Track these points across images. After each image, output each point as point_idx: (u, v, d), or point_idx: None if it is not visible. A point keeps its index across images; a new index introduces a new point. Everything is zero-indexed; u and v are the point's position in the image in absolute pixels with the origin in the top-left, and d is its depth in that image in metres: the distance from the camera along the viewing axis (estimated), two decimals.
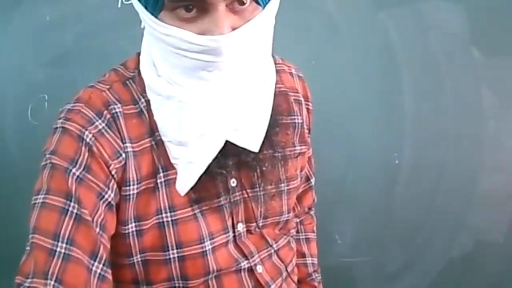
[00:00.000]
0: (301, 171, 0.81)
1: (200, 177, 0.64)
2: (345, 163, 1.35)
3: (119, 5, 1.30)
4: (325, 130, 1.30)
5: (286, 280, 0.78)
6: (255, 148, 0.65)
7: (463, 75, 1.33)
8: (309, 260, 0.91)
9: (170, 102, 0.63)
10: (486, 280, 1.39)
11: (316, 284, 0.91)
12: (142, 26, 0.67)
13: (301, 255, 0.90)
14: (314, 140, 0.85)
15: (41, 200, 0.59)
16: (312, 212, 0.95)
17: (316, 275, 0.92)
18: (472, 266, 1.39)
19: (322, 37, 1.33)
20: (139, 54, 0.69)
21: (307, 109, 0.82)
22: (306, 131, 0.81)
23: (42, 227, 0.58)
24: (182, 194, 0.65)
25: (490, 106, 1.33)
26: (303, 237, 0.92)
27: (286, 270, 0.77)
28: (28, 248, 0.58)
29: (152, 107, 0.65)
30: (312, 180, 0.91)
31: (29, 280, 0.55)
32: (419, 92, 1.33)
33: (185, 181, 0.64)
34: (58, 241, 0.57)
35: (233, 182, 0.69)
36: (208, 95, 0.60)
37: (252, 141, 0.65)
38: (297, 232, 0.91)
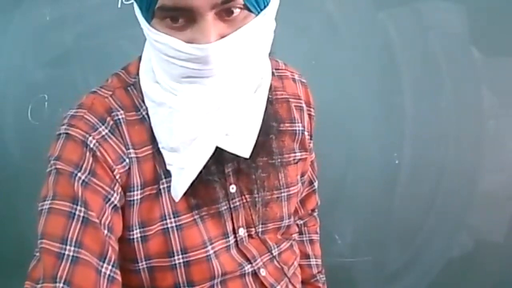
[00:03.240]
0: (302, 176, 0.81)
1: (197, 183, 0.64)
2: (345, 163, 1.35)
3: (119, 5, 1.30)
4: (325, 130, 1.29)
5: (291, 281, 0.78)
6: (246, 154, 0.64)
7: (463, 75, 1.32)
8: (313, 261, 0.91)
9: (162, 109, 0.63)
10: (486, 280, 1.39)
11: (320, 285, 0.91)
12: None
13: (305, 256, 0.91)
14: (314, 140, 0.85)
15: (47, 206, 0.59)
16: (315, 214, 0.95)
17: (321, 275, 0.92)
18: (472, 266, 1.38)
19: (322, 37, 1.33)
20: (140, 58, 0.70)
21: (309, 115, 0.81)
22: (308, 137, 0.80)
23: (49, 232, 0.58)
24: (176, 199, 0.65)
25: (490, 106, 1.33)
26: (307, 238, 0.92)
27: (286, 274, 0.77)
28: (37, 254, 0.58)
29: (149, 113, 0.65)
30: (315, 184, 0.91)
31: (39, 286, 0.56)
32: (419, 92, 1.33)
33: (178, 187, 0.64)
34: (66, 245, 0.57)
35: (232, 188, 0.69)
36: (198, 101, 0.60)
37: (242, 147, 0.64)
38: (301, 233, 0.91)
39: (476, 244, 1.38)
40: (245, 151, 0.64)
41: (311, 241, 0.92)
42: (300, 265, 0.85)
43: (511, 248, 1.38)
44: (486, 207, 1.36)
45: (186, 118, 0.61)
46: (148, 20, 0.60)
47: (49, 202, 0.59)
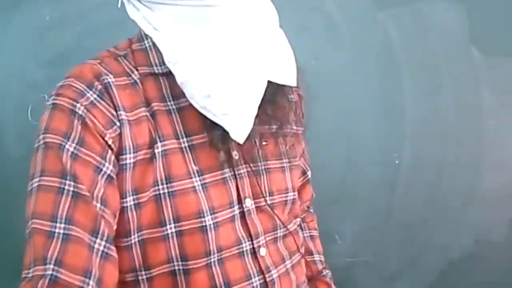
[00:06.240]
0: (299, 158, 0.81)
1: (200, 149, 0.65)
2: (345, 163, 1.35)
3: (119, 5, 1.30)
4: (325, 130, 1.29)
5: (293, 269, 0.75)
6: (294, 83, 0.69)
7: (463, 75, 1.33)
8: (317, 257, 0.90)
9: (210, 59, 0.62)
10: (486, 280, 1.39)
11: (328, 280, 0.89)
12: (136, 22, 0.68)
13: (309, 252, 0.89)
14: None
15: (36, 184, 0.57)
16: (311, 210, 0.95)
17: (327, 271, 0.90)
18: (472, 266, 1.39)
19: (322, 37, 1.33)
20: (129, 39, 0.72)
21: (298, 94, 0.82)
22: (301, 114, 0.81)
23: (38, 211, 0.56)
24: (241, 141, 0.63)
25: (490, 106, 1.33)
26: (308, 234, 0.92)
27: (299, 250, 0.76)
28: (27, 237, 0.56)
29: (184, 71, 0.63)
30: (309, 173, 0.90)
31: (31, 270, 0.53)
32: (419, 92, 1.33)
33: (242, 128, 0.63)
34: (56, 222, 0.55)
35: (235, 155, 0.68)
36: (242, 43, 0.63)
37: (289, 77, 0.68)
38: (301, 229, 0.90)
39: (476, 244, 1.38)
40: (292, 81, 0.69)
41: (312, 237, 0.92)
42: (305, 263, 0.83)
43: (511, 248, 1.38)
44: (486, 207, 1.36)
45: (237, 61, 0.63)
46: None
47: (37, 179, 0.57)
